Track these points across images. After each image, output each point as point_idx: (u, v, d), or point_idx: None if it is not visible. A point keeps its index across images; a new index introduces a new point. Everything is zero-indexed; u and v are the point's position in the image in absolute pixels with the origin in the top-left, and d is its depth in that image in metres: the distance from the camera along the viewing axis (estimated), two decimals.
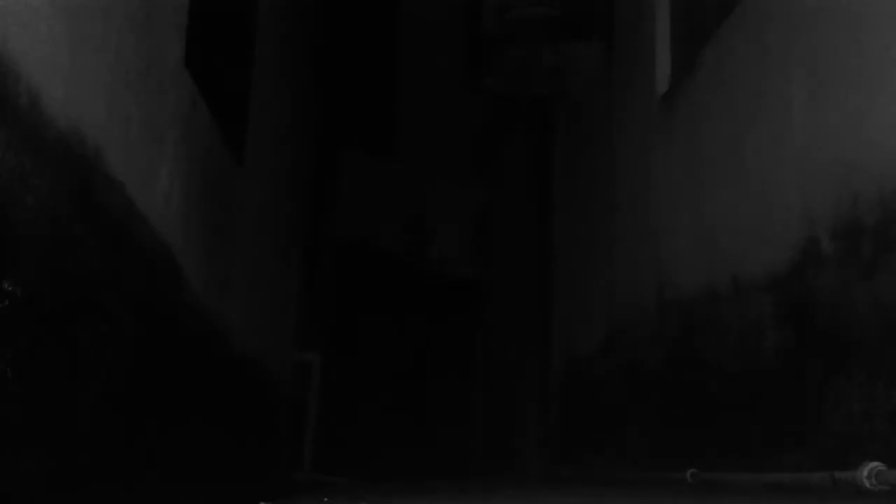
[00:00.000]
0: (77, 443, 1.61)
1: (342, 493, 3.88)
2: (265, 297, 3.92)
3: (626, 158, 4.59)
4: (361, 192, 6.91)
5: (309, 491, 4.47)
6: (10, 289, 1.29)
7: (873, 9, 2.27)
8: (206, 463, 2.68)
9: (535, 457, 6.02)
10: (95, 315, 1.68)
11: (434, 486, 4.27)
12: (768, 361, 2.74)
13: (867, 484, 1.95)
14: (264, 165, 3.66)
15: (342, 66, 6.16)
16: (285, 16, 4.15)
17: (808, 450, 2.43)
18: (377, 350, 6.92)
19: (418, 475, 6.15)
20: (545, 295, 6.28)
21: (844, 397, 2.26)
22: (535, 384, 6.16)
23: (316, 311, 5.91)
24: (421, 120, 7.28)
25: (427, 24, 6.99)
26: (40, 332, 1.41)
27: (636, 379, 4.16)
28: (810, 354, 2.49)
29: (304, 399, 5.10)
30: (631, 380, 4.26)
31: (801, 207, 2.59)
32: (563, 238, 6.14)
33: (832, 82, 2.47)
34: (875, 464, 1.96)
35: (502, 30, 5.43)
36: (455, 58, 6.88)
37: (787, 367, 2.62)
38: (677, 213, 3.71)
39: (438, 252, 7.34)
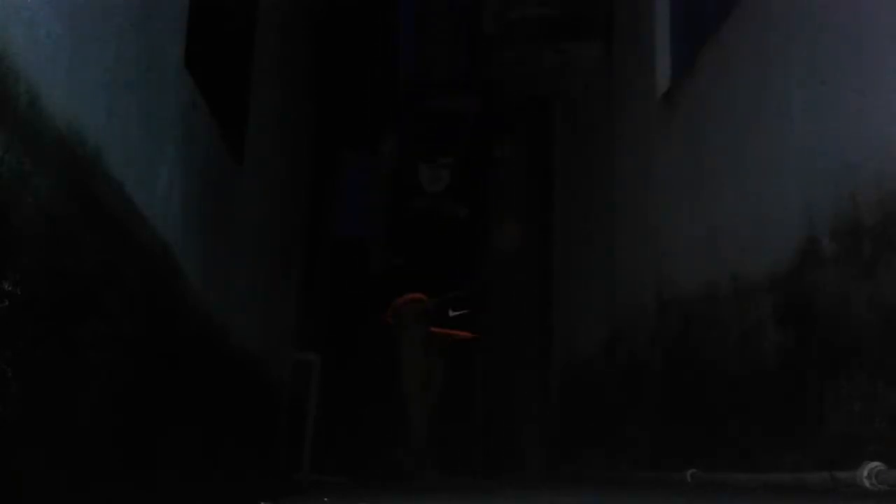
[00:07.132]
0: (77, 443, 1.61)
1: (342, 493, 3.88)
2: (265, 297, 3.92)
3: (626, 158, 4.58)
4: (360, 191, 6.91)
5: (309, 491, 4.47)
6: (9, 289, 1.29)
7: (873, 10, 2.27)
8: (206, 463, 2.68)
9: (535, 456, 6.02)
10: (95, 315, 1.68)
11: (434, 485, 4.27)
12: (768, 361, 2.74)
13: (867, 484, 1.95)
14: (264, 165, 3.67)
15: (342, 66, 6.16)
16: (285, 15, 4.15)
17: (808, 450, 2.43)
18: (377, 350, 6.92)
19: (418, 475, 6.15)
20: (545, 295, 6.28)
21: (844, 397, 2.26)
22: (535, 384, 6.16)
23: (315, 311, 5.91)
24: (421, 120, 7.29)
25: (428, 24, 7.00)
26: (40, 332, 1.41)
27: (636, 379, 4.15)
28: (810, 354, 2.48)
29: (303, 399, 5.10)
30: (631, 380, 4.25)
31: (800, 207, 2.59)
32: (563, 238, 6.14)
33: (832, 82, 2.47)
34: (875, 464, 1.96)
35: (502, 30, 5.43)
36: (456, 57, 6.89)
37: (787, 367, 2.62)
38: (677, 213, 3.71)
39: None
